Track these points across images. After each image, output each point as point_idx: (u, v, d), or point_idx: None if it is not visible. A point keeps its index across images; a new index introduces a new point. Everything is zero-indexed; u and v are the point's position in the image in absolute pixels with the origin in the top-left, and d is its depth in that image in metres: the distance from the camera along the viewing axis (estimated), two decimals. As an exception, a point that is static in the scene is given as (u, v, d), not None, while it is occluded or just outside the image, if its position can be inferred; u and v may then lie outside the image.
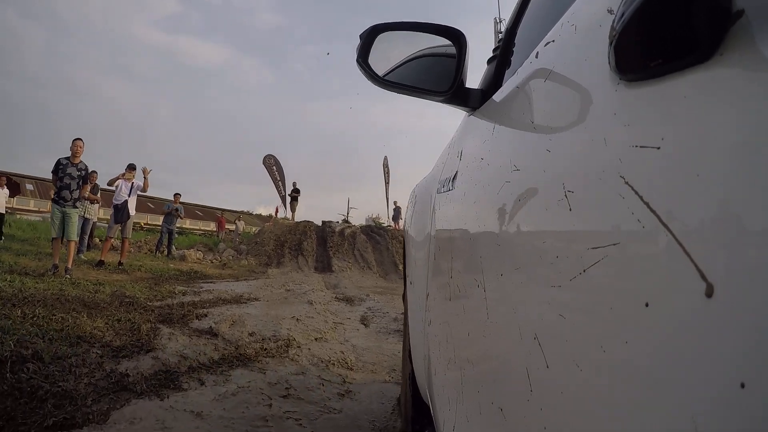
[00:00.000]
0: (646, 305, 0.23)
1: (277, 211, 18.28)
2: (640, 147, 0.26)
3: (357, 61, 0.86)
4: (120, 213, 7.31)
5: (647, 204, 0.24)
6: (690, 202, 0.22)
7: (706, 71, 0.23)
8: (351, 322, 4.63)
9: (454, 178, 0.90)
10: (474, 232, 0.63)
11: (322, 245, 12.75)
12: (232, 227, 18.26)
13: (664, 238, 0.22)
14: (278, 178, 18.14)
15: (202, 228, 27.21)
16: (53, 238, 5.69)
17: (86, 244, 8.46)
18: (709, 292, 0.19)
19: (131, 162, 7.53)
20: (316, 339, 3.61)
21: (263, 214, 17.30)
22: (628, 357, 0.24)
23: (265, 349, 3.10)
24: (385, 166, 19.92)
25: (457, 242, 0.74)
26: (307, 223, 14.24)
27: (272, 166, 18.01)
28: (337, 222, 15.44)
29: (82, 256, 7.92)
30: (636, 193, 0.25)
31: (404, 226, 1.99)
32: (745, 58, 0.20)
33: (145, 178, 7.46)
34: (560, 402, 0.32)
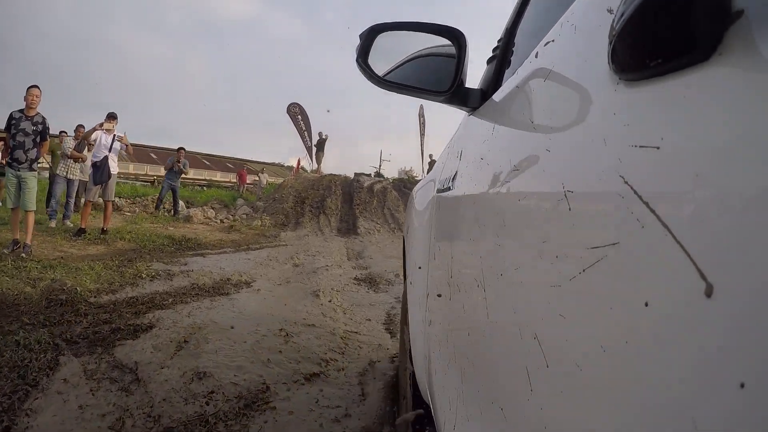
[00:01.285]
0: (646, 305, 0.23)
1: (299, 163, 16.47)
2: (640, 147, 0.26)
3: (356, 61, 0.86)
4: (99, 172, 6.03)
5: (647, 204, 0.24)
6: (689, 202, 0.22)
7: (705, 71, 0.23)
8: (371, 327, 3.20)
9: (453, 178, 0.90)
10: (474, 232, 0.63)
11: (348, 203, 11.27)
12: (257, 179, 17.01)
13: (663, 237, 0.22)
14: (303, 128, 16.76)
15: (232, 180, 25.49)
16: (12, 209, 4.78)
17: (71, 208, 7.28)
18: (709, 292, 0.19)
19: (112, 111, 6.10)
20: (307, 379, 2.21)
21: (307, 169, 16.15)
22: (628, 357, 0.24)
23: (210, 426, 1.73)
24: (421, 116, 18.53)
25: (457, 242, 0.74)
26: (333, 177, 12.83)
27: (297, 114, 16.70)
28: (369, 175, 14.33)
29: (69, 222, 6.91)
30: (635, 192, 0.25)
31: (404, 227, 2.00)
32: (744, 58, 0.20)
33: (125, 145, 6.27)
34: (560, 402, 0.32)
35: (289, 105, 16.67)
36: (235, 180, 21.77)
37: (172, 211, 9.82)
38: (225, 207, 11.33)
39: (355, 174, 13.21)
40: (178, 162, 9.75)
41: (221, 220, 9.50)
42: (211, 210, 10.27)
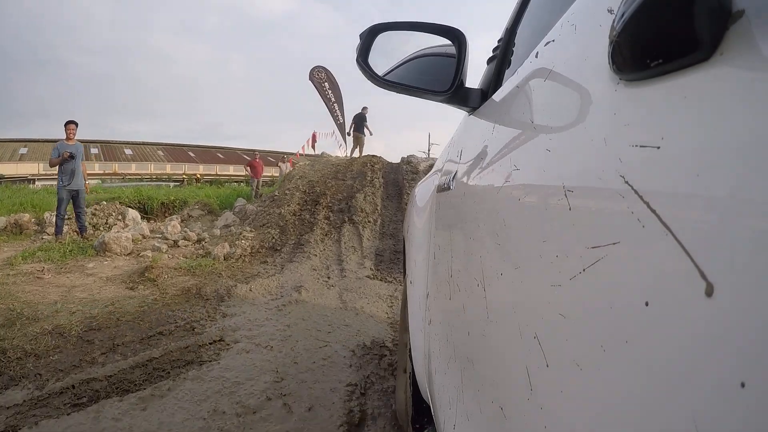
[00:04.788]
0: (646, 305, 0.23)
1: (314, 139, 11.24)
2: (640, 146, 0.26)
3: (357, 60, 0.86)
4: None
5: (647, 203, 0.24)
6: (690, 202, 0.22)
7: (706, 71, 0.23)
8: None
9: (453, 177, 0.90)
10: (474, 232, 0.63)
11: (395, 199, 6.90)
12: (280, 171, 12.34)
13: (663, 237, 0.22)
14: (332, 99, 11.90)
15: (274, 175, 21.44)
16: None
17: None
18: (709, 292, 0.19)
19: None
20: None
21: (340, 156, 10.55)
22: (628, 357, 0.24)
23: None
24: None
25: (457, 242, 0.74)
26: (370, 159, 8.28)
27: (323, 81, 11.80)
28: (421, 157, 9.35)
29: None
30: (636, 192, 0.25)
31: (404, 226, 2.00)
32: (745, 58, 0.20)
33: None
34: (560, 402, 0.32)
35: (313, 70, 11.86)
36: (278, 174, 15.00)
37: (79, 231, 6.11)
38: (209, 213, 7.96)
39: (402, 159, 8.64)
40: (71, 156, 5.64)
41: (175, 242, 5.88)
42: (176, 224, 6.51)
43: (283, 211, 6.44)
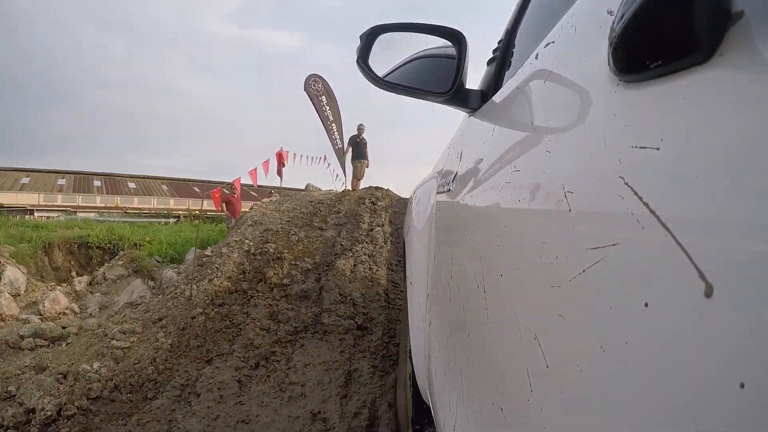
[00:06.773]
0: (646, 305, 0.23)
1: (281, 160, 6.97)
2: (640, 148, 0.26)
3: (357, 62, 0.86)
4: None
5: (647, 204, 0.24)
6: (689, 203, 0.22)
7: (705, 72, 0.23)
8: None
9: (454, 179, 0.90)
10: (474, 233, 0.63)
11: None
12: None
13: (663, 238, 0.22)
14: (330, 117, 9.07)
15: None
16: None
17: None
18: (709, 292, 0.19)
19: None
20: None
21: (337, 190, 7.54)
22: (628, 357, 0.24)
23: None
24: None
25: (457, 243, 0.74)
26: (371, 194, 5.83)
27: (320, 94, 8.99)
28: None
29: None
30: (635, 193, 0.25)
31: (404, 227, 2.00)
32: (744, 59, 0.20)
33: None
34: (560, 402, 0.32)
35: (308, 78, 8.88)
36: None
37: None
38: (134, 273, 5.53)
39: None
40: None
41: (22, 338, 3.10)
42: (59, 297, 4.36)
43: (193, 293, 3.27)
